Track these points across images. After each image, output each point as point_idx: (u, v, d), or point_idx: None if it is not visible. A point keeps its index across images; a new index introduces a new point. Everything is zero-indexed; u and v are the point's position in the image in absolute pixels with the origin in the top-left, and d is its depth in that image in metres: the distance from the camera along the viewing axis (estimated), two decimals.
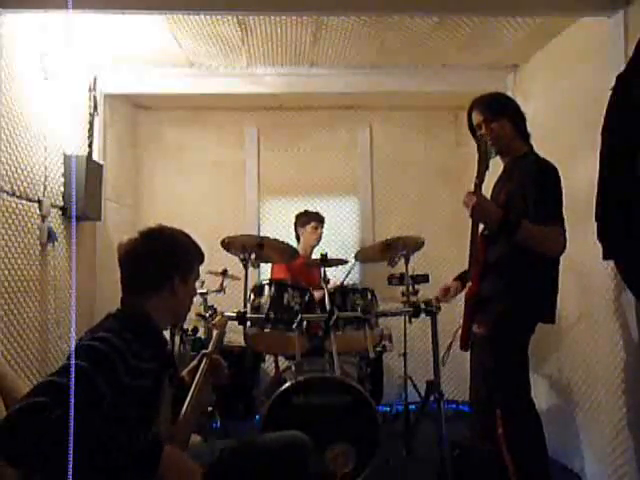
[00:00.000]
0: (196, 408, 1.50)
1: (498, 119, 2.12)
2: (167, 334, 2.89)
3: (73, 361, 1.18)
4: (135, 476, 1.17)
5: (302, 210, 3.81)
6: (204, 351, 1.66)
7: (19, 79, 2.54)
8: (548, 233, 1.94)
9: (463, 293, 2.25)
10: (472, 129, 2.22)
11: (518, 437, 2.02)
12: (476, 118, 2.18)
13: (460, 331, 2.15)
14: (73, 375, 1.15)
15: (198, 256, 1.63)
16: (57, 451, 1.06)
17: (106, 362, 1.24)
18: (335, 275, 3.84)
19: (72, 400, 1.10)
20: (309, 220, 3.72)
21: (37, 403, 1.10)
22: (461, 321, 2.14)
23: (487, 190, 2.33)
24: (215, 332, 1.75)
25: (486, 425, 2.10)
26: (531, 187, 1.99)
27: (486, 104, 2.17)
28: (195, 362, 1.68)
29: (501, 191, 2.07)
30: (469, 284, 2.10)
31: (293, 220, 3.82)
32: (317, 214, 3.76)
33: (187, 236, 1.60)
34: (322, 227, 3.76)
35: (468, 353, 2.19)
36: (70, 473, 1.07)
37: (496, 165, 2.22)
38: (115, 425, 1.19)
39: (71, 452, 1.06)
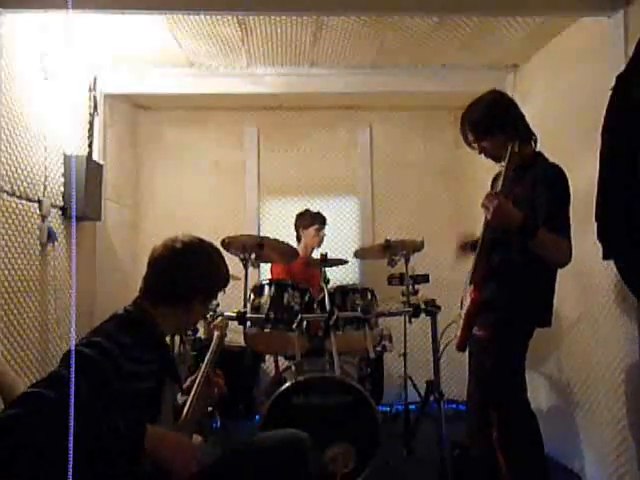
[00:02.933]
0: (196, 410, 1.50)
1: (488, 137, 2.09)
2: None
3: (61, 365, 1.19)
4: (123, 462, 1.17)
5: (303, 209, 3.77)
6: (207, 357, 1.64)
7: (19, 79, 2.54)
8: (560, 244, 1.93)
9: (462, 296, 2.24)
10: (467, 141, 2.21)
11: (513, 441, 2.02)
12: (468, 136, 2.16)
13: (459, 331, 2.15)
14: (54, 379, 1.17)
15: (226, 283, 1.62)
16: (33, 459, 1.07)
17: (92, 368, 1.22)
18: (334, 275, 3.84)
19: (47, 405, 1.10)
20: (312, 222, 3.69)
21: (7, 417, 1.10)
22: (460, 321, 2.14)
23: (484, 190, 2.34)
24: (215, 334, 1.74)
25: (481, 428, 2.10)
26: (544, 196, 1.96)
27: (474, 124, 2.12)
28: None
29: (508, 194, 2.06)
30: (472, 287, 2.10)
31: (294, 219, 3.78)
32: (319, 215, 3.72)
33: (223, 259, 1.59)
34: (324, 229, 3.74)
35: (468, 354, 2.19)
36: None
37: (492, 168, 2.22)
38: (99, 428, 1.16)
39: (46, 456, 1.08)
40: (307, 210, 3.77)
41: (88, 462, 1.09)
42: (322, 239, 3.73)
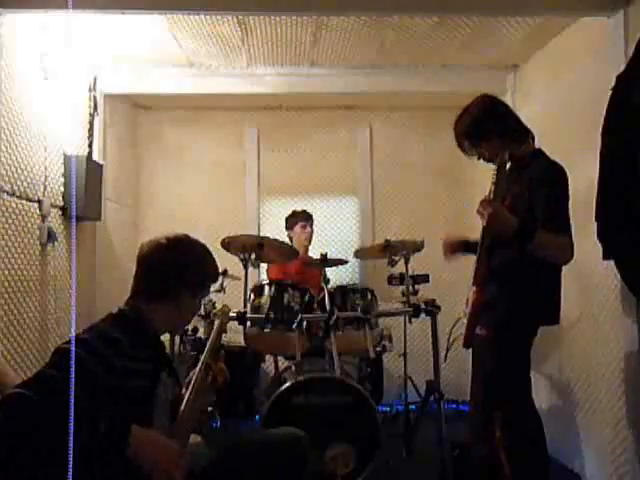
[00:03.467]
0: (195, 408, 1.49)
1: (483, 142, 2.09)
2: (167, 334, 2.88)
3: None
4: (107, 460, 1.17)
5: (290, 212, 3.77)
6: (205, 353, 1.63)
7: (19, 79, 2.53)
8: (559, 243, 1.93)
9: (467, 297, 2.24)
10: (463, 150, 2.21)
11: (516, 440, 2.02)
12: (464, 144, 2.16)
13: (464, 329, 2.15)
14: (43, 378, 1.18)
15: (214, 277, 1.64)
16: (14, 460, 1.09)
17: (77, 367, 1.20)
18: (334, 275, 3.84)
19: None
20: (296, 220, 3.69)
21: None
22: (465, 320, 2.15)
23: (484, 191, 2.33)
24: (216, 322, 1.71)
25: (484, 427, 2.10)
26: (542, 194, 1.95)
27: (467, 131, 2.12)
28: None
29: (507, 193, 2.05)
30: (474, 289, 2.10)
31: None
32: (303, 212, 3.72)
33: (210, 254, 1.60)
34: (311, 225, 3.72)
35: (470, 354, 2.19)
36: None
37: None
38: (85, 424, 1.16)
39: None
40: (292, 211, 3.77)
41: (72, 463, 1.09)
42: (310, 235, 3.70)
